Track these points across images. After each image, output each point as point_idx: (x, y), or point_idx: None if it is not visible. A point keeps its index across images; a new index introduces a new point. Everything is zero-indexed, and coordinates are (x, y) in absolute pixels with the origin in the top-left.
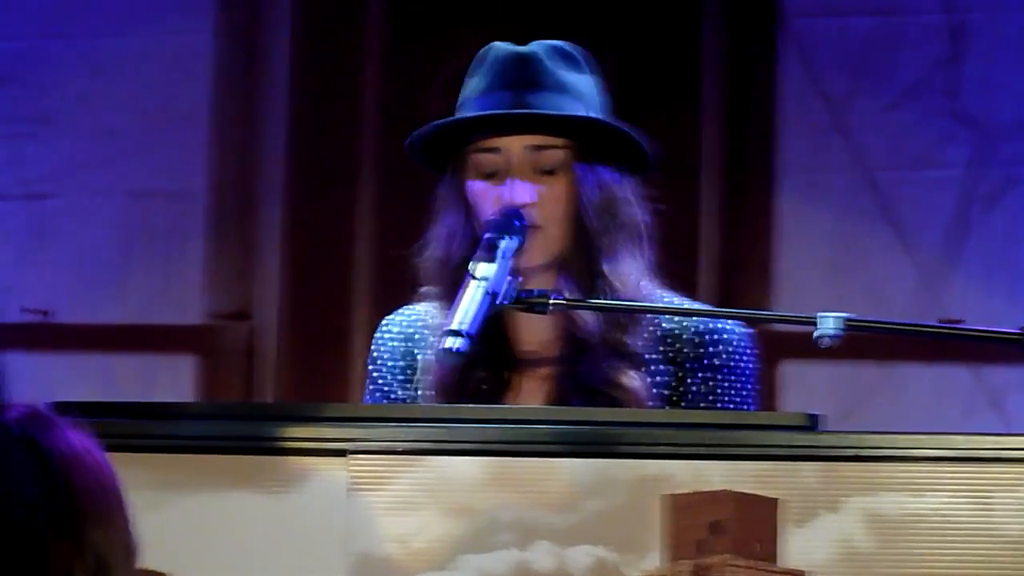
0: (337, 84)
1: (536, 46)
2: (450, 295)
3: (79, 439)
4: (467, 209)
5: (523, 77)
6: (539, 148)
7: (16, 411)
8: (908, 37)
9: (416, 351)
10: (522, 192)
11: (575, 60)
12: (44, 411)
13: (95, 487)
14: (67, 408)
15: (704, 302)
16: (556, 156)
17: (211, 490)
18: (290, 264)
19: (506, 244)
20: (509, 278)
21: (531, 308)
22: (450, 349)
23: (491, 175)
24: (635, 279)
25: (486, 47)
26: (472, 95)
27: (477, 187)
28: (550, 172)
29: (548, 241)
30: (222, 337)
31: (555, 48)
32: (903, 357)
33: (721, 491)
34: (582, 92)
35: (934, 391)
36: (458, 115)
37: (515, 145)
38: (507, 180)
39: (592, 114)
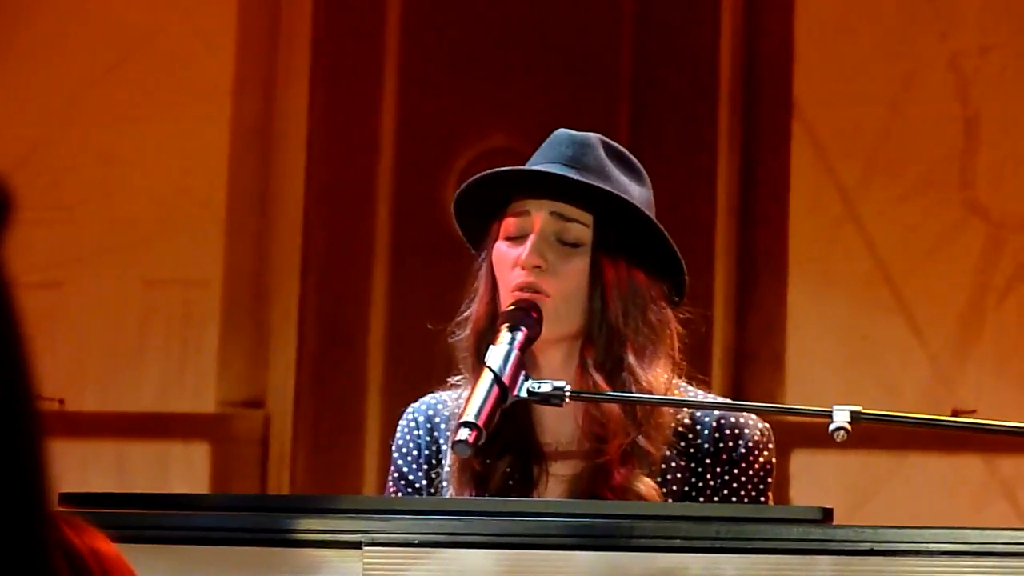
0: (351, 175)
1: (594, 136)
2: (471, 384)
3: (105, 541)
4: (493, 285)
5: (573, 156)
6: (565, 218)
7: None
8: (922, 127)
9: (441, 440)
10: (534, 255)
11: (631, 164)
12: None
13: None
14: (79, 499)
15: (716, 392)
16: (581, 231)
17: None
18: (304, 352)
19: (518, 335)
20: (524, 371)
21: (547, 400)
22: (459, 441)
23: (516, 239)
24: (665, 381)
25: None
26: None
27: (500, 249)
28: (573, 246)
29: (555, 314)
30: (236, 425)
31: (612, 146)
32: (915, 447)
33: None
34: (630, 193)
35: (946, 481)
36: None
37: (543, 209)
38: (527, 242)
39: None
